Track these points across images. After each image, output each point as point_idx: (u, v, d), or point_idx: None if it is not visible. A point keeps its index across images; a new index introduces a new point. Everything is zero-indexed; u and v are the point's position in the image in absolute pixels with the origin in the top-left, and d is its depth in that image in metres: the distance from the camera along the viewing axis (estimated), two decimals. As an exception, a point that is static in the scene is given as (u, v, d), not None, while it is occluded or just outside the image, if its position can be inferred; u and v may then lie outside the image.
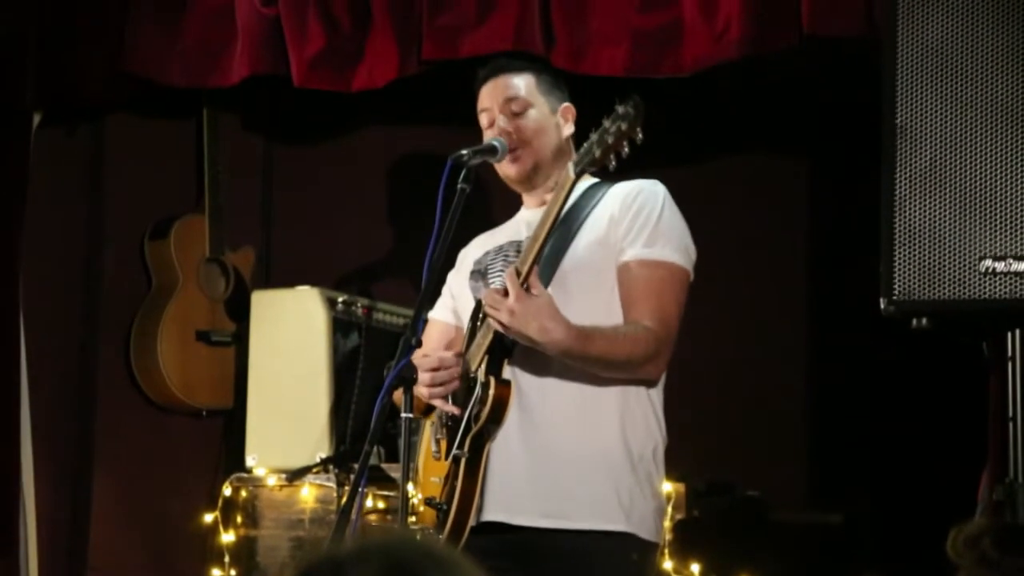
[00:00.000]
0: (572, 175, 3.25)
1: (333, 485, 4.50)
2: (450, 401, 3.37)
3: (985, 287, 3.30)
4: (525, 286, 3.23)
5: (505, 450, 3.35)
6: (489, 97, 3.54)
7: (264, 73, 4.45)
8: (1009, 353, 3.42)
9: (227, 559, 4.66)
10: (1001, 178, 3.31)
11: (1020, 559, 2.27)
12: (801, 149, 5.24)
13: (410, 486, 3.48)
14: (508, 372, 3.34)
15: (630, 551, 3.33)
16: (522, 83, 3.54)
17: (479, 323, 3.38)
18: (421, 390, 3.30)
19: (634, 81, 4.03)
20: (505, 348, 3.32)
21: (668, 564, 4.44)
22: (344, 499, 3.88)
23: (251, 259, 5.24)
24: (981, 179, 3.32)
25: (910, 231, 3.35)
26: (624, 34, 4.09)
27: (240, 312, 5.02)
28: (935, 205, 3.35)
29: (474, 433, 3.33)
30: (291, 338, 4.72)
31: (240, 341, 5.00)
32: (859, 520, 4.77)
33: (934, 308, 3.36)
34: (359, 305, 4.78)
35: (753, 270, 5.18)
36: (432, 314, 3.59)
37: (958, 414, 4.22)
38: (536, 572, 3.33)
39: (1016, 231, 3.29)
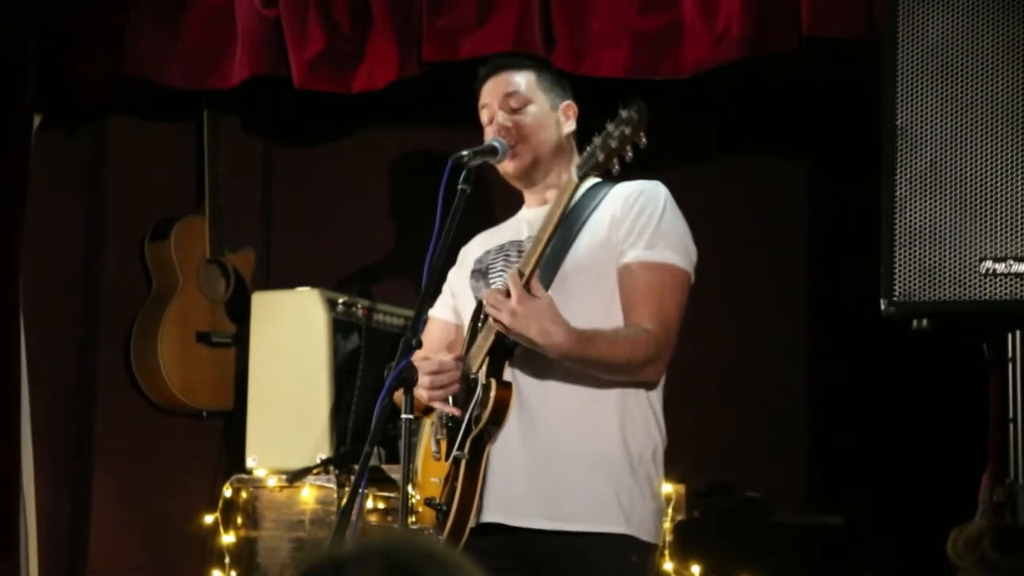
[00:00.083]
0: (575, 179, 3.25)
1: (333, 486, 4.50)
2: (450, 402, 3.37)
3: (985, 288, 3.30)
4: (527, 288, 3.23)
5: (505, 451, 3.35)
6: (489, 94, 3.55)
7: (264, 74, 4.45)
8: (1009, 354, 3.42)
9: (227, 560, 4.66)
10: (1001, 179, 3.31)
11: (1020, 560, 2.27)
12: (801, 149, 5.24)
13: (409, 487, 3.48)
14: (508, 374, 3.34)
15: (629, 552, 3.33)
16: (522, 80, 3.54)
17: (480, 324, 3.38)
18: (421, 392, 3.30)
19: (634, 82, 4.04)
20: (506, 350, 3.32)
21: (668, 565, 4.44)
22: (344, 500, 3.88)
23: (251, 260, 5.25)
24: (981, 180, 3.32)
25: (910, 232, 3.35)
26: (624, 35, 4.09)
27: (240, 313, 5.03)
28: (935, 206, 3.34)
29: (475, 435, 3.33)
30: (291, 339, 4.72)
31: (240, 342, 5.00)
32: (859, 521, 4.77)
33: (934, 309, 3.35)
34: (359, 306, 4.78)
35: (753, 270, 5.18)
36: (432, 312, 3.59)
37: (958, 415, 4.22)
38: (536, 573, 3.34)
39: (1016, 232, 3.29)
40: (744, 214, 5.21)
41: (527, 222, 3.53)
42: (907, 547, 4.44)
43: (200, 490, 4.96)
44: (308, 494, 4.58)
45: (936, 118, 3.37)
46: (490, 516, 3.34)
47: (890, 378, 4.95)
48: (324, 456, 4.54)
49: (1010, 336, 3.42)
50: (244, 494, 4.68)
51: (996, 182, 3.31)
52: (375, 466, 4.37)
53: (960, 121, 3.35)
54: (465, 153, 3.37)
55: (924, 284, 3.33)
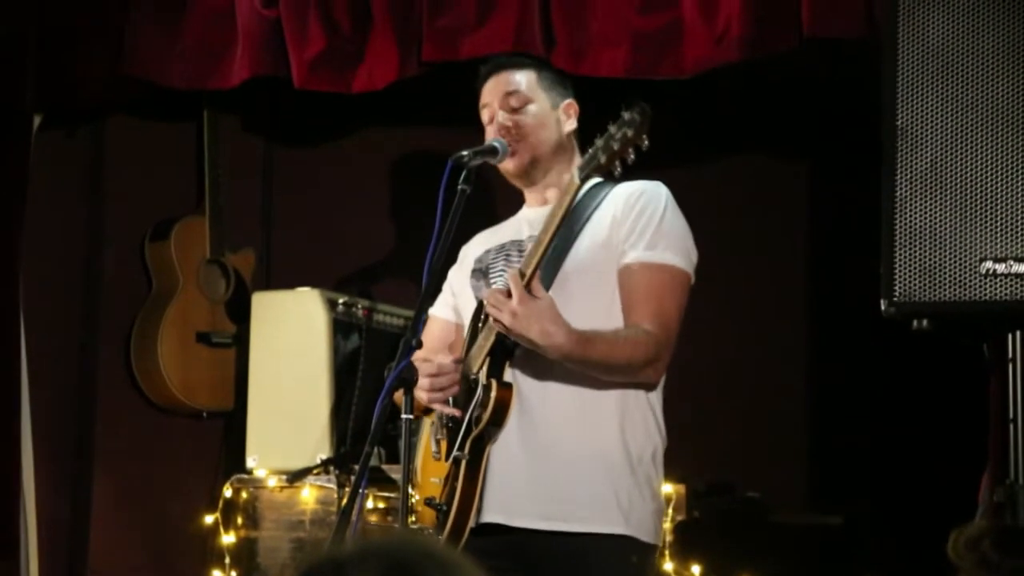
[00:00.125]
0: (577, 181, 3.25)
1: (334, 486, 4.50)
2: (450, 403, 3.37)
3: (986, 289, 3.30)
4: (528, 289, 3.23)
5: (505, 452, 3.35)
6: (490, 93, 3.55)
7: (264, 75, 4.45)
8: (1010, 355, 3.42)
9: (228, 560, 4.66)
10: (1002, 179, 3.31)
11: (1020, 561, 2.27)
12: (801, 150, 5.24)
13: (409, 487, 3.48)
14: (508, 374, 3.34)
15: (629, 553, 3.33)
16: (523, 79, 3.54)
17: (481, 324, 3.38)
18: (420, 394, 3.31)
19: (634, 82, 4.04)
20: (507, 350, 3.32)
21: (668, 565, 4.44)
22: (345, 500, 3.88)
23: (251, 260, 5.25)
24: (982, 180, 3.32)
25: (911, 232, 3.35)
26: (624, 35, 4.09)
27: (240, 313, 5.03)
28: (936, 206, 3.34)
29: (475, 435, 3.33)
30: (291, 339, 4.72)
31: (240, 342, 5.00)
32: (859, 521, 4.77)
33: (934, 309, 3.35)
34: (359, 306, 4.78)
35: (753, 271, 5.18)
36: (432, 311, 3.59)
37: (958, 416, 4.22)
38: (535, 573, 3.34)
39: (1017, 233, 3.29)
40: (744, 214, 5.21)
41: (528, 221, 3.53)
42: (907, 547, 4.44)
43: (200, 490, 4.96)
44: (308, 494, 4.58)
45: (936, 118, 3.37)
46: (489, 516, 3.34)
47: (890, 378, 4.95)
48: (324, 456, 4.54)
49: (1010, 336, 3.42)
50: (244, 494, 4.68)
51: (996, 182, 3.32)
52: (375, 466, 4.37)
53: (960, 121, 3.35)
54: (465, 153, 3.37)
55: (924, 284, 3.33)
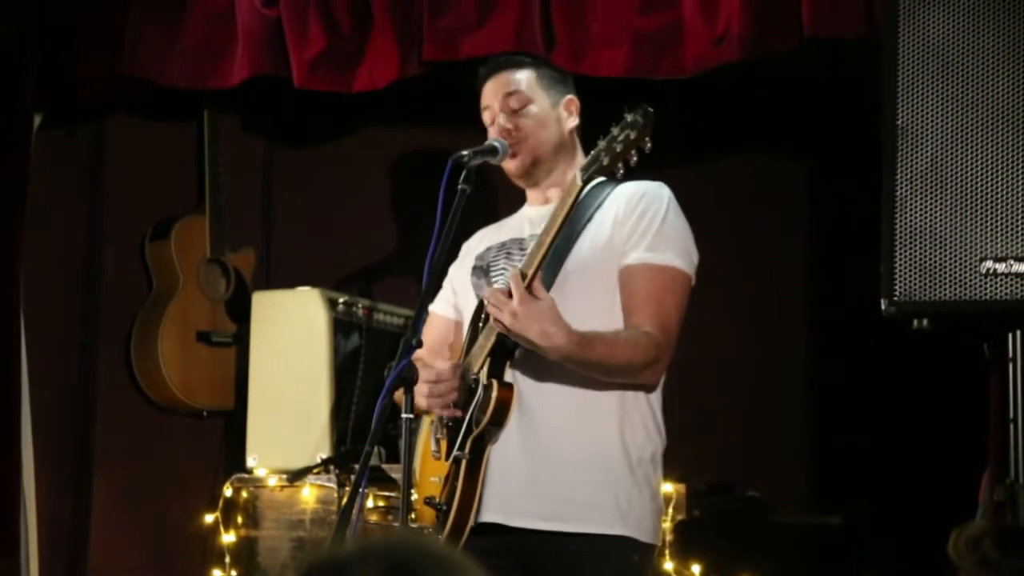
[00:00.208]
0: (579, 182, 3.25)
1: (334, 486, 4.50)
2: (451, 404, 3.37)
3: (986, 288, 3.30)
4: (529, 289, 3.23)
5: (504, 452, 3.35)
6: (490, 94, 3.55)
7: (265, 74, 4.45)
8: (1010, 354, 3.41)
9: (228, 560, 4.66)
10: (1002, 179, 3.31)
11: (1021, 560, 2.27)
12: (801, 150, 5.24)
13: (408, 486, 3.49)
14: (508, 375, 3.34)
15: (630, 552, 3.34)
16: (522, 78, 3.54)
17: (481, 324, 3.38)
18: (419, 400, 3.31)
19: (635, 82, 4.04)
20: (508, 351, 3.33)
21: (669, 565, 4.44)
22: (345, 500, 3.88)
23: (252, 260, 5.25)
24: (982, 180, 3.32)
25: (911, 232, 3.35)
26: (624, 35, 4.09)
27: (241, 313, 5.03)
28: (936, 206, 3.34)
29: (475, 435, 3.33)
30: (292, 339, 4.72)
31: (241, 342, 5.00)
32: (859, 521, 4.77)
33: (935, 309, 3.35)
34: (360, 306, 4.78)
35: (753, 271, 5.18)
36: (433, 308, 3.59)
37: (959, 415, 4.21)
38: (535, 573, 3.34)
39: (1017, 232, 3.29)
40: (744, 214, 5.21)
41: (529, 219, 3.53)
42: (907, 547, 4.44)
43: (200, 490, 4.96)
44: (308, 494, 4.58)
45: (936, 118, 3.37)
46: (488, 516, 3.34)
47: (890, 378, 4.95)
48: (324, 455, 4.54)
49: (1011, 336, 3.41)
50: (244, 494, 4.68)
51: (996, 182, 3.31)
52: (375, 465, 4.37)
53: (960, 121, 3.35)
54: (465, 153, 3.37)
55: (924, 284, 3.33)
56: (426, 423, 3.55)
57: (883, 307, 3.37)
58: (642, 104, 3.17)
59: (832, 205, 5.16)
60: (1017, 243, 3.28)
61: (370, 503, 4.43)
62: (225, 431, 5.14)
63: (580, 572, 3.32)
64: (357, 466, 3.26)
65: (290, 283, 4.85)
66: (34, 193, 4.77)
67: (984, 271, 3.29)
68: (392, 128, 5.22)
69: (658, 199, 3.41)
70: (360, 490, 3.21)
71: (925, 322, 3.38)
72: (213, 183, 5.11)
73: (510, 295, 3.22)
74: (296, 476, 4.53)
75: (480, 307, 3.42)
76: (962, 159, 3.34)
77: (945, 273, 3.32)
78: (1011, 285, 3.28)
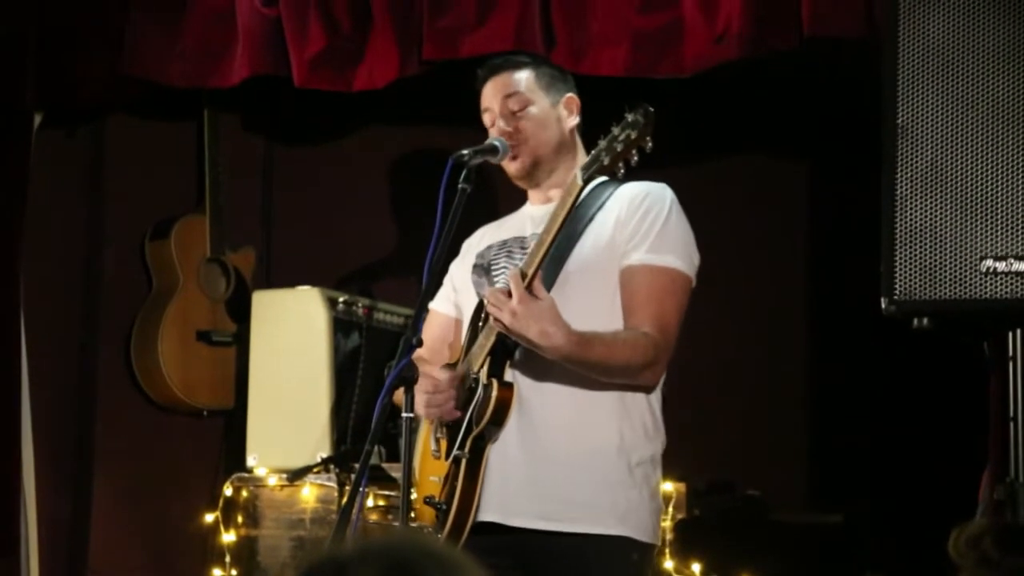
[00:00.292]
0: (580, 182, 3.25)
1: (334, 485, 4.50)
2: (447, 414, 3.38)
3: (986, 287, 3.30)
4: (529, 289, 3.23)
5: (504, 452, 3.35)
6: (489, 96, 3.55)
7: (265, 74, 4.45)
8: (1010, 353, 3.41)
9: (228, 559, 4.66)
10: (1002, 178, 3.31)
11: (1021, 559, 2.27)
12: (801, 149, 5.25)
13: (407, 486, 3.49)
14: (508, 374, 3.35)
15: (630, 551, 3.34)
16: (521, 79, 3.54)
17: (481, 324, 3.39)
18: (417, 409, 3.31)
19: (635, 81, 4.04)
20: (508, 350, 3.33)
21: (669, 564, 4.45)
22: (345, 499, 3.88)
23: (252, 259, 5.25)
24: (982, 179, 3.32)
25: (911, 231, 3.35)
26: (624, 34, 4.09)
27: (241, 312, 5.03)
28: (936, 205, 3.34)
29: (475, 434, 3.33)
30: (292, 338, 4.73)
31: (241, 341, 5.00)
32: (859, 520, 4.77)
33: (935, 308, 3.35)
34: (360, 305, 4.78)
35: (753, 271, 5.18)
36: (433, 305, 3.59)
37: (959, 414, 4.22)
38: (534, 572, 3.34)
39: (1017, 231, 3.29)
40: (744, 214, 5.21)
41: (531, 218, 3.53)
42: (907, 547, 4.44)
43: (200, 489, 4.96)
44: (309, 493, 4.58)
45: (936, 117, 3.37)
46: (487, 515, 3.34)
47: (890, 378, 4.95)
48: (324, 455, 4.54)
49: (1011, 335, 3.41)
50: (245, 493, 4.68)
51: (996, 181, 3.31)
52: (375, 465, 4.37)
53: (960, 120, 3.35)
54: (465, 152, 3.37)
55: (924, 283, 3.33)
56: (426, 422, 3.55)
57: (883, 306, 3.37)
58: (643, 104, 3.17)
59: (832, 205, 5.17)
60: (1017, 242, 3.28)
61: (370, 502, 4.43)
62: (225, 430, 5.14)
63: (579, 572, 3.32)
64: (357, 465, 3.26)
65: (290, 282, 4.85)
66: (34, 193, 4.77)
67: (984, 270, 3.29)
68: (392, 128, 5.22)
69: (661, 200, 3.41)
70: (360, 489, 3.22)
71: (925, 321, 3.38)
72: (213, 183, 5.11)
73: (510, 294, 3.22)
74: (296, 475, 4.53)
75: (480, 306, 3.42)
76: (962, 158, 3.34)
77: (945, 272, 3.32)
78: (1011, 284, 3.28)
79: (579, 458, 3.33)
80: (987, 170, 3.32)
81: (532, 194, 3.59)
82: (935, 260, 3.33)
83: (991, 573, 2.26)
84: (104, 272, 5.12)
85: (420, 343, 3.21)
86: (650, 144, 3.15)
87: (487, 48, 4.08)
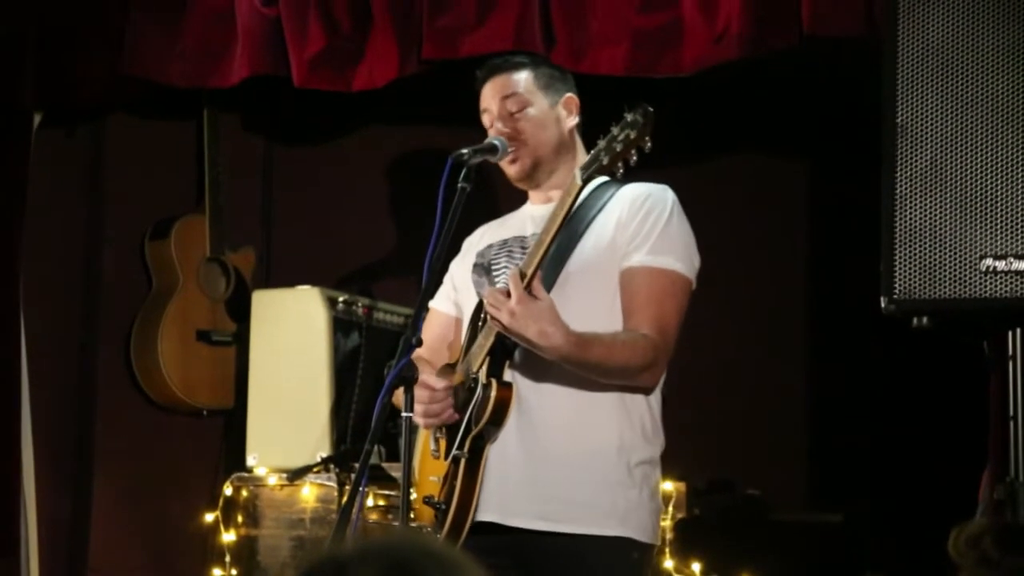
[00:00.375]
0: (579, 182, 3.24)
1: (334, 484, 4.50)
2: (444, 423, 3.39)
3: (986, 286, 3.30)
4: (528, 289, 3.23)
5: (503, 452, 3.35)
6: (488, 97, 3.55)
7: (264, 74, 4.45)
8: (1010, 352, 3.41)
9: (228, 559, 4.66)
10: (1001, 177, 3.31)
11: (1021, 559, 2.27)
12: (801, 149, 5.25)
13: (407, 486, 3.49)
14: (507, 374, 3.34)
15: (630, 551, 3.33)
16: (520, 80, 3.53)
17: (481, 324, 3.38)
18: (415, 418, 3.31)
19: (634, 81, 4.04)
20: (507, 350, 3.32)
21: (669, 563, 4.45)
22: (345, 498, 3.88)
23: (251, 259, 5.25)
24: (981, 178, 3.32)
25: (911, 230, 3.35)
26: (624, 34, 4.09)
27: (241, 312, 5.03)
28: (935, 204, 3.34)
29: (474, 434, 3.33)
30: (292, 338, 4.73)
31: (241, 341, 5.01)
32: (859, 520, 4.77)
33: (935, 307, 3.35)
34: (360, 305, 4.78)
35: (753, 271, 5.18)
36: (433, 304, 3.59)
37: (959, 413, 4.22)
38: (534, 571, 3.34)
39: (1016, 230, 3.29)
40: (744, 214, 5.21)
41: (532, 218, 3.52)
42: (907, 546, 4.44)
43: (200, 489, 4.97)
44: (308, 492, 4.58)
45: (936, 116, 3.36)
46: (486, 515, 3.34)
47: (890, 378, 4.95)
48: (324, 454, 4.54)
49: (1010, 334, 3.41)
50: (244, 492, 4.68)
51: (996, 180, 3.31)
52: (375, 464, 4.37)
53: (960, 119, 3.35)
54: (465, 151, 3.37)
55: (924, 282, 3.33)
56: (426, 422, 3.55)
57: (883, 305, 3.36)
58: (642, 104, 3.17)
59: (832, 205, 5.17)
60: (1016, 241, 3.28)
61: (370, 502, 4.43)
62: (225, 430, 5.14)
63: (579, 572, 3.32)
64: (357, 465, 3.26)
65: (290, 282, 4.85)
66: (34, 193, 4.77)
67: (984, 269, 3.29)
68: (392, 127, 5.22)
69: (662, 202, 3.41)
70: (360, 489, 3.21)
71: (925, 320, 3.38)
72: (213, 183, 5.11)
73: (509, 294, 3.22)
74: (296, 475, 4.53)
75: (480, 306, 3.41)
76: (961, 158, 3.34)
77: (945, 271, 3.32)
78: (1011, 283, 3.28)
79: (578, 458, 3.33)
80: (987, 169, 3.32)
81: (533, 194, 3.59)
82: (935, 259, 3.33)
83: (991, 573, 2.26)
84: (104, 272, 5.13)
85: (420, 343, 3.20)
86: (649, 144, 3.15)
87: (487, 48, 4.08)
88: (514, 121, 3.49)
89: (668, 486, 4.40)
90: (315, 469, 4.52)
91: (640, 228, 3.37)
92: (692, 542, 4.51)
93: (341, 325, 4.72)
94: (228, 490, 4.69)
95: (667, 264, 3.36)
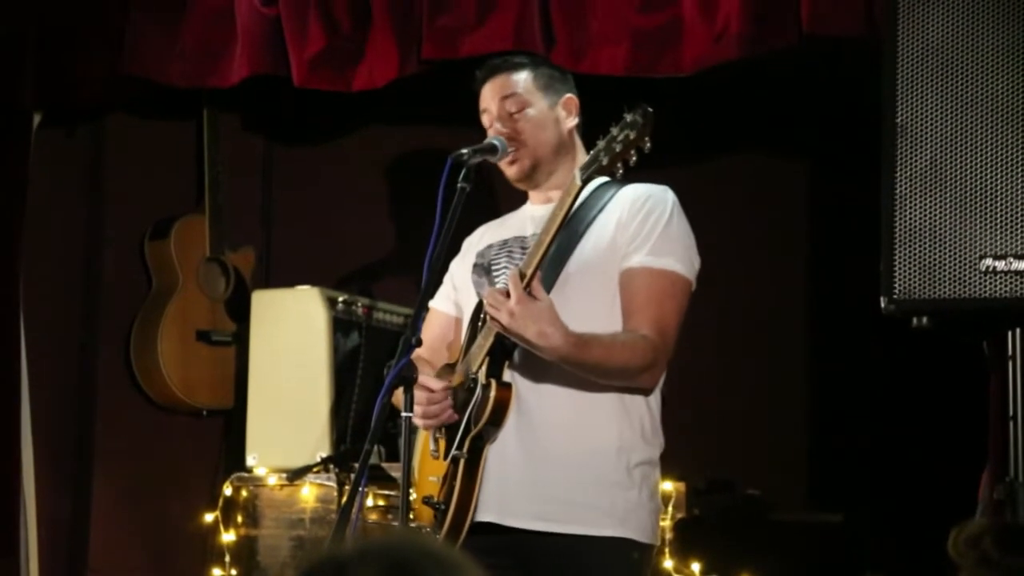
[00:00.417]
0: (579, 182, 3.24)
1: (334, 484, 4.50)
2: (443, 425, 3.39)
3: (985, 286, 3.30)
4: (527, 290, 3.22)
5: (502, 452, 3.35)
6: (487, 97, 3.55)
7: (264, 73, 4.45)
8: (1009, 352, 3.41)
9: (228, 559, 4.66)
10: (1001, 177, 3.31)
11: (1021, 559, 2.27)
12: (801, 149, 5.24)
13: (407, 486, 3.49)
14: (507, 375, 3.34)
15: (630, 550, 3.33)
16: (519, 80, 3.53)
17: (481, 324, 3.38)
18: (415, 420, 3.31)
19: (634, 81, 4.04)
20: (506, 351, 3.32)
21: (669, 563, 4.45)
22: (344, 498, 3.88)
23: (251, 259, 5.25)
24: (981, 178, 3.32)
25: (910, 230, 3.35)
26: (624, 34, 4.09)
27: (240, 312, 5.03)
28: (935, 204, 3.34)
29: (474, 434, 3.33)
30: (291, 338, 4.73)
31: (240, 341, 5.01)
32: (859, 520, 4.77)
33: (934, 307, 3.35)
34: (359, 304, 4.78)
35: (753, 271, 5.18)
36: (433, 303, 3.59)
37: (958, 413, 4.21)
38: (533, 571, 3.34)
39: (1016, 230, 3.29)
40: (744, 214, 5.21)
41: (532, 218, 3.52)
42: (907, 546, 4.44)
43: (200, 489, 4.97)
44: (308, 492, 4.58)
45: (936, 116, 3.36)
46: (485, 516, 3.34)
47: (890, 378, 4.95)
48: (324, 454, 4.54)
49: (1010, 333, 3.41)
50: (244, 492, 4.68)
51: (996, 180, 3.31)
52: (375, 464, 4.37)
53: (960, 119, 3.35)
54: (465, 151, 3.37)
55: (924, 281, 3.33)
56: (424, 422, 3.55)
57: (883, 305, 3.36)
58: (642, 104, 3.16)
59: (832, 205, 5.16)
60: (1016, 240, 3.28)
61: (370, 502, 4.43)
62: (225, 430, 5.14)
63: (579, 573, 3.32)
64: (357, 465, 3.26)
65: (290, 282, 4.86)
66: (34, 193, 4.77)
67: (983, 269, 3.29)
68: (392, 127, 5.22)
69: (662, 203, 3.41)
70: (360, 489, 3.21)
71: (925, 320, 3.38)
72: (213, 182, 5.11)
73: (508, 295, 3.22)
74: (296, 475, 4.53)
75: (480, 306, 3.41)
76: (961, 157, 3.34)
77: (945, 271, 3.32)
78: (1010, 282, 3.28)
79: (578, 459, 3.33)
80: (986, 169, 3.32)
81: (533, 194, 3.59)
82: (935, 259, 3.33)
83: (991, 573, 2.26)
84: (104, 272, 5.13)
85: (419, 343, 3.20)
86: (649, 144, 3.15)
87: (487, 48, 4.08)
88: (513, 121, 3.49)
89: (668, 486, 4.40)
90: (315, 469, 4.52)
91: (640, 229, 3.37)
92: (692, 542, 4.51)
93: (341, 325, 4.72)
94: (228, 490, 4.69)
95: (667, 265, 3.36)
